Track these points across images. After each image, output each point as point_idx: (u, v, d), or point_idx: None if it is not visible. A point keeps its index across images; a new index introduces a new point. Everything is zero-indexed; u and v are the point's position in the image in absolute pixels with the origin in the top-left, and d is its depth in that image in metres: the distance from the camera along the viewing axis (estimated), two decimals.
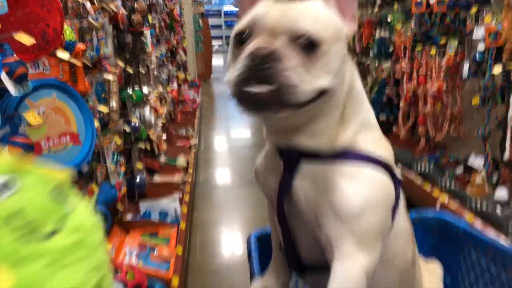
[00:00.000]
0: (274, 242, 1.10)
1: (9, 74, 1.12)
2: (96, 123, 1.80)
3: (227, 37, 17.49)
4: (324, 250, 0.90)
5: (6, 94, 1.26)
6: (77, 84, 1.79)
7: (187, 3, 9.45)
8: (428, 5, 3.39)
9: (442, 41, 3.22)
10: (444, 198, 2.83)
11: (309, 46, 0.81)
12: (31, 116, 1.18)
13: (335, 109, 0.90)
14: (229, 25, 17.50)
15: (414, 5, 3.50)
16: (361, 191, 0.85)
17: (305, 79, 0.79)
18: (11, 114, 1.18)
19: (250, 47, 0.81)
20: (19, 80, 1.15)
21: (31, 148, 1.20)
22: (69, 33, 1.58)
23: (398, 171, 0.96)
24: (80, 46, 1.75)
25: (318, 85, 0.81)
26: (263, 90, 0.77)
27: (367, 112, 0.97)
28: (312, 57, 0.81)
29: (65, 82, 1.52)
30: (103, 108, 1.87)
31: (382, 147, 0.95)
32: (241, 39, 0.86)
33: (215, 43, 16.60)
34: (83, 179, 2.04)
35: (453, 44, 3.12)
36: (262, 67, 0.77)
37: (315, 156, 0.91)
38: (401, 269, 1.03)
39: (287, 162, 0.93)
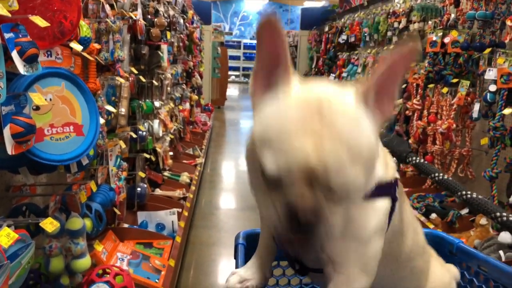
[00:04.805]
0: (263, 241, 1.07)
1: (20, 53, 1.15)
2: (102, 121, 1.81)
3: (245, 69, 17.78)
4: (325, 264, 0.89)
5: (18, 76, 1.29)
6: (88, 81, 1.83)
7: (208, 31, 9.70)
8: (442, 45, 3.43)
9: (454, 81, 3.24)
10: None
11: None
12: (37, 97, 1.20)
13: None
14: (248, 57, 17.80)
15: (429, 44, 3.55)
16: (373, 221, 0.87)
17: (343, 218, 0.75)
18: (17, 93, 1.20)
19: (289, 199, 0.71)
20: (30, 60, 1.17)
21: (32, 129, 1.21)
22: (85, 29, 1.62)
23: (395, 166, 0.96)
24: (95, 45, 1.80)
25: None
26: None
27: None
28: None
29: (76, 75, 1.55)
30: (110, 108, 1.90)
31: (389, 168, 0.93)
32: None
33: (232, 73, 16.88)
34: (85, 178, 2.05)
35: (465, 84, 3.14)
36: (304, 229, 0.72)
37: None
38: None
39: None
